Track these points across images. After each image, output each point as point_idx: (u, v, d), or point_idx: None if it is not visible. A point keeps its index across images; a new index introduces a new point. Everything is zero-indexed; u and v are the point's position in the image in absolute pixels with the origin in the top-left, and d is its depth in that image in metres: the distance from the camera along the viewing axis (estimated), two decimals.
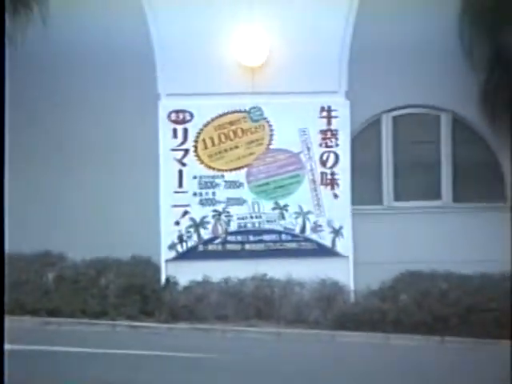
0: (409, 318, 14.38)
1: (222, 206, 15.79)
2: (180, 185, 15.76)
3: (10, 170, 15.13)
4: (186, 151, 15.77)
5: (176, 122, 15.80)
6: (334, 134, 15.92)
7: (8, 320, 13.53)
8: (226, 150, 15.85)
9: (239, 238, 15.81)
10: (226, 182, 15.80)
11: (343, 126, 15.92)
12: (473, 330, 14.10)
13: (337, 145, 15.93)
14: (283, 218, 15.85)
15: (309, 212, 15.88)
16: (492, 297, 14.39)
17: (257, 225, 15.83)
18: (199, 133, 15.79)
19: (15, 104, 15.38)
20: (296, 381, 10.89)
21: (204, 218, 15.77)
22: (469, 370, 12.16)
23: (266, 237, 15.80)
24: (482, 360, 13.05)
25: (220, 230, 15.77)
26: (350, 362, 12.54)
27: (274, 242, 15.82)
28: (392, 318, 14.42)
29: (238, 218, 15.81)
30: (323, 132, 15.90)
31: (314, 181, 15.90)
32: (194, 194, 15.76)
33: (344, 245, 15.91)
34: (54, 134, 15.94)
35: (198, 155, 15.78)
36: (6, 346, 11.60)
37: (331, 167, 15.94)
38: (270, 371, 11.34)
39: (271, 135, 15.85)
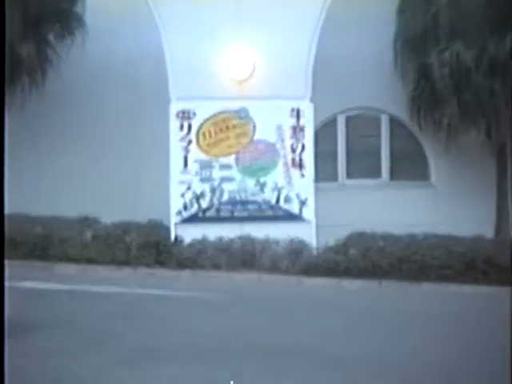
0: (355, 267, 14.48)
1: (217, 182, 15.85)
2: (185, 166, 15.82)
3: (56, 153, 15.57)
4: (190, 141, 15.85)
5: (182, 118, 15.86)
6: (302, 129, 16.03)
7: (56, 267, 14.06)
8: (220, 141, 15.93)
9: (229, 207, 15.87)
10: (220, 164, 15.85)
11: (308, 123, 16.05)
12: (402, 276, 14.33)
13: (303, 137, 16.03)
14: (263, 192, 15.92)
15: (282, 187, 15.95)
16: (416, 251, 14.51)
17: (243, 197, 15.90)
18: (200, 127, 15.88)
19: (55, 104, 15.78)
20: (272, 311, 11.11)
21: (203, 191, 15.83)
22: (399, 304, 12.58)
23: (249, 206, 15.89)
24: (409, 297, 13.44)
25: (215, 201, 15.87)
26: (312, 299, 12.84)
27: (256, 210, 15.89)
28: (343, 266, 14.50)
29: (229, 192, 15.87)
30: (293, 127, 16.01)
31: (286, 164, 16.00)
32: (196, 174, 15.84)
33: (308, 212, 16.01)
34: (91, 127, 15.99)
35: (198, 144, 15.86)
36: (55, 286, 12.10)
37: (299, 154, 16.04)
38: (253, 305, 11.65)
39: (254, 129, 15.93)
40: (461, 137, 15.28)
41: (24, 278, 11.72)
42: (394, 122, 16.72)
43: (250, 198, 15.93)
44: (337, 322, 10.37)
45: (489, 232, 15.61)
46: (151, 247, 15.04)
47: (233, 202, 15.91)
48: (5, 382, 3.81)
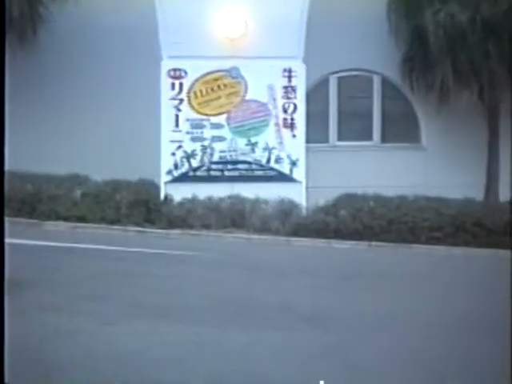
0: (345, 228, 14.54)
1: (208, 142, 15.78)
2: (176, 125, 15.74)
3: (48, 112, 15.46)
4: (181, 100, 15.75)
5: (174, 77, 15.76)
6: (294, 89, 15.94)
7: (46, 224, 14.06)
8: (211, 100, 15.83)
9: (220, 166, 15.82)
10: (211, 124, 15.77)
11: (300, 83, 15.95)
12: (392, 237, 14.40)
13: (295, 97, 15.94)
14: (254, 152, 15.88)
15: (273, 148, 15.91)
16: (406, 213, 14.60)
17: (234, 157, 15.84)
18: (191, 86, 15.76)
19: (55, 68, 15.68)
20: (260, 271, 11.13)
21: (194, 151, 15.78)
22: (388, 265, 12.69)
23: (240, 166, 15.85)
24: (399, 259, 13.55)
25: (206, 160, 15.81)
26: (301, 259, 12.97)
27: (246, 170, 15.87)
28: (333, 227, 14.56)
29: (220, 152, 15.82)
30: (285, 87, 15.91)
31: (277, 124, 15.93)
32: (187, 133, 15.76)
33: (299, 173, 15.99)
34: (82, 84, 15.82)
35: (190, 103, 15.76)
36: (45, 243, 12.06)
37: (291, 114, 15.97)
38: (241, 264, 11.72)
39: (246, 89, 15.82)
40: (453, 99, 15.22)
41: (13, 235, 11.70)
42: (386, 83, 16.60)
43: (241, 158, 15.89)
44: (325, 282, 10.42)
45: (479, 195, 15.67)
46: (141, 205, 15.04)
47: (223, 162, 15.87)
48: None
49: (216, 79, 15.86)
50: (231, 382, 5.63)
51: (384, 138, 16.75)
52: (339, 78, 16.60)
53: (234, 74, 15.87)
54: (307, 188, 15.96)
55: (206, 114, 15.84)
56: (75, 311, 7.72)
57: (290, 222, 14.97)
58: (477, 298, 9.53)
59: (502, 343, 7.01)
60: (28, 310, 7.49)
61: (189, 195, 15.44)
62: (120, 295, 8.64)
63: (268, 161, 15.94)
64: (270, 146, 15.94)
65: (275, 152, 15.96)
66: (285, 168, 15.98)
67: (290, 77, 15.96)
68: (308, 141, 16.13)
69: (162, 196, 15.61)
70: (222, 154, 15.86)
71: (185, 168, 15.84)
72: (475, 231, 14.41)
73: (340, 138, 16.74)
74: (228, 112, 15.89)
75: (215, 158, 15.87)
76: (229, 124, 15.87)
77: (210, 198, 15.40)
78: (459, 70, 14.97)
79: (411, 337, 7.41)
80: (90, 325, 7.16)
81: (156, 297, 8.71)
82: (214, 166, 15.87)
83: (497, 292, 9.59)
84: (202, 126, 15.81)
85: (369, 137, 16.74)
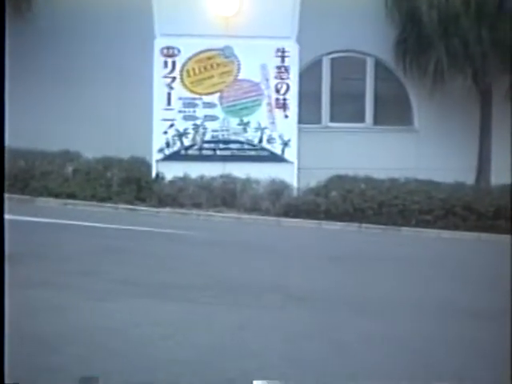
0: (336, 209, 14.60)
1: (200, 121, 15.75)
2: (168, 104, 15.71)
3: (41, 90, 15.38)
4: (174, 78, 15.71)
5: (166, 55, 15.71)
6: (286, 69, 15.92)
7: (37, 201, 14.05)
8: (204, 79, 15.80)
9: (212, 145, 15.81)
10: (203, 103, 15.74)
11: (293, 63, 15.93)
12: (382, 220, 14.48)
13: (288, 77, 15.93)
14: (246, 131, 15.87)
15: (265, 128, 15.90)
16: (397, 195, 14.65)
17: (226, 136, 15.82)
18: (184, 65, 15.73)
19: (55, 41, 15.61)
20: (250, 250, 11.22)
21: (186, 129, 15.75)
22: (377, 247, 12.78)
23: (232, 145, 15.84)
24: (388, 241, 13.63)
25: (198, 139, 15.77)
26: (291, 240, 13.01)
27: (238, 149, 15.86)
28: (324, 209, 14.61)
29: (212, 131, 15.79)
30: (278, 67, 15.90)
31: (270, 104, 15.91)
32: (179, 111, 15.73)
33: (291, 153, 16.00)
34: (75, 61, 15.74)
35: (182, 82, 15.73)
36: (36, 219, 12.07)
37: (283, 94, 15.96)
38: (232, 244, 11.79)
39: (239, 68, 15.80)
40: (447, 82, 15.26)
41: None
42: (379, 65, 16.61)
43: (233, 138, 15.88)
44: (314, 263, 10.45)
45: (470, 178, 15.72)
46: (132, 183, 15.08)
47: (215, 141, 15.86)
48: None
49: (209, 58, 15.83)
50: (221, 359, 5.67)
51: (376, 120, 16.78)
52: (332, 59, 16.59)
53: (227, 53, 15.84)
54: (299, 169, 16.00)
55: (199, 93, 15.81)
56: (64, 286, 7.73)
57: (280, 203, 15.01)
58: (465, 281, 9.60)
59: (489, 324, 7.09)
60: (17, 285, 7.49)
61: (180, 174, 15.44)
62: (110, 272, 8.66)
63: (260, 141, 15.94)
64: (262, 125, 15.94)
65: (267, 132, 15.96)
66: (276, 148, 15.99)
67: (283, 57, 15.94)
68: (300, 121, 16.15)
69: (154, 174, 15.60)
70: (214, 134, 15.85)
71: (177, 147, 15.82)
72: (465, 215, 14.47)
73: (332, 120, 16.75)
74: (220, 91, 15.86)
75: (207, 137, 15.84)
76: (221, 103, 15.85)
77: (201, 177, 15.42)
78: (453, 53, 14.99)
79: (398, 318, 7.46)
80: (78, 300, 7.18)
81: (146, 274, 8.73)
82: (205, 145, 15.85)
83: (484, 275, 9.68)
84: (194, 105, 15.78)
85: (361, 119, 16.75)
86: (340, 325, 7.01)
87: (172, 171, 15.50)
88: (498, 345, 6.05)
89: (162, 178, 15.53)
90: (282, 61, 15.93)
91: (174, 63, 15.76)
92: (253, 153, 15.94)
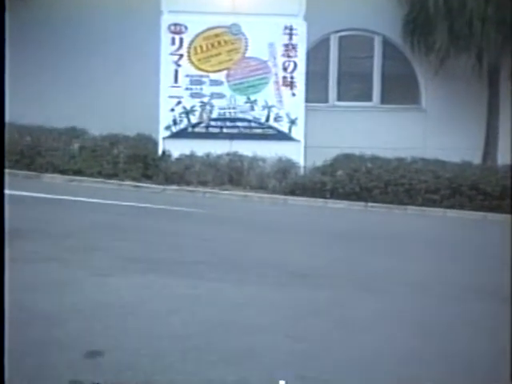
0: (342, 188, 14.59)
1: (207, 98, 15.68)
2: (175, 81, 15.63)
3: (47, 66, 15.33)
4: (181, 55, 15.63)
5: (174, 32, 15.61)
6: (294, 47, 15.80)
7: (43, 177, 14.06)
8: (211, 56, 15.70)
9: (219, 123, 15.73)
10: (210, 80, 15.67)
11: (301, 41, 15.81)
12: (388, 199, 14.47)
13: (296, 56, 15.82)
14: (253, 109, 15.78)
15: (272, 106, 15.81)
16: (404, 175, 14.63)
17: (233, 114, 15.75)
18: (191, 42, 15.63)
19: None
20: (256, 228, 11.19)
21: (193, 107, 15.67)
22: (382, 225, 12.77)
23: (239, 123, 15.76)
24: (393, 220, 13.61)
25: (205, 116, 15.69)
26: (297, 218, 13.01)
27: (245, 127, 15.78)
28: (330, 187, 14.61)
29: (219, 108, 15.71)
30: (286, 45, 15.78)
31: (277, 82, 15.82)
32: (186, 89, 15.65)
33: (298, 132, 15.92)
34: (82, 38, 15.72)
35: (190, 59, 15.64)
36: (42, 195, 12.07)
37: (291, 72, 15.85)
38: (237, 221, 11.80)
39: (246, 46, 15.70)
40: (452, 61, 15.22)
41: (11, 187, 11.69)
42: (387, 44, 16.53)
43: (240, 116, 15.80)
44: (319, 241, 10.44)
45: (477, 158, 15.69)
46: (139, 161, 15.07)
47: (222, 119, 15.78)
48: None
49: (216, 35, 15.73)
50: (226, 335, 5.66)
51: (383, 99, 16.72)
52: (340, 38, 16.54)
53: (234, 30, 15.73)
54: (305, 147, 15.92)
55: (206, 71, 15.73)
56: (69, 262, 7.73)
57: (287, 181, 15.04)
58: (470, 260, 9.58)
59: (492, 304, 7.07)
60: (23, 260, 7.51)
61: (187, 151, 15.42)
62: (115, 248, 8.65)
63: (267, 119, 15.86)
64: (270, 104, 15.85)
65: (274, 110, 15.87)
66: (283, 127, 15.91)
67: (290, 35, 15.81)
68: (307, 100, 16.04)
69: (160, 152, 15.56)
70: (221, 111, 15.77)
71: (183, 124, 15.75)
72: (471, 194, 14.44)
73: (339, 98, 16.73)
74: (228, 69, 15.78)
75: (214, 114, 15.77)
76: (228, 81, 15.77)
77: (207, 155, 15.40)
78: (457, 32, 14.91)
79: (401, 295, 7.46)
80: (83, 276, 7.18)
81: (151, 251, 8.72)
82: (212, 123, 15.77)
83: (490, 254, 9.65)
84: (201, 83, 15.70)
85: (368, 97, 16.70)
86: (344, 301, 7.01)
87: (179, 149, 15.46)
88: (500, 323, 6.02)
89: (169, 156, 15.49)
90: (290, 39, 15.81)
91: (181, 40, 15.66)
92: (259, 131, 15.85)
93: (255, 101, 15.83)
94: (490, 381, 5.03)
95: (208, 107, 15.74)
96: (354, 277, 8.20)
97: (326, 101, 16.66)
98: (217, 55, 15.78)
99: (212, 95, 15.74)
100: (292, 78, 15.91)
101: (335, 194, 14.63)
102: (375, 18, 15.95)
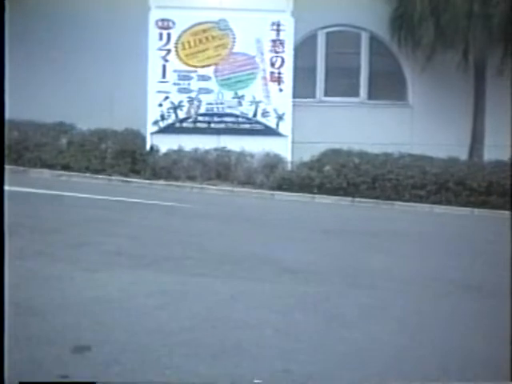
0: (330, 183, 14.64)
1: (195, 93, 15.69)
2: (163, 76, 15.62)
3: (35, 61, 15.27)
4: (169, 51, 15.62)
5: (162, 27, 15.59)
6: (282, 43, 15.84)
7: (31, 172, 13.99)
8: (199, 52, 15.70)
9: (206, 118, 15.75)
10: (198, 75, 15.67)
11: (288, 37, 15.84)
12: (375, 194, 14.54)
13: (283, 51, 15.85)
14: (240, 105, 15.82)
15: (260, 101, 15.85)
16: (391, 170, 14.69)
17: (220, 109, 15.77)
18: (179, 37, 15.63)
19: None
20: (243, 223, 11.19)
21: (181, 102, 15.68)
22: (369, 221, 12.77)
23: (226, 118, 15.78)
24: (380, 215, 13.62)
25: (192, 111, 15.70)
26: (285, 213, 12.99)
27: (233, 122, 15.81)
28: (317, 182, 14.66)
29: (207, 104, 15.72)
30: (273, 41, 15.81)
31: (264, 78, 15.85)
32: (174, 84, 15.65)
33: (285, 127, 15.96)
34: (70, 33, 15.68)
35: (177, 54, 15.63)
36: (30, 190, 12.01)
37: (278, 68, 15.88)
38: (225, 216, 11.76)
39: (234, 42, 15.72)
40: (439, 57, 15.25)
41: None
42: (374, 40, 16.58)
43: (228, 111, 15.82)
44: (307, 236, 10.44)
45: (463, 154, 15.73)
46: (127, 156, 15.05)
47: (210, 114, 15.79)
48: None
49: (204, 31, 15.73)
50: (214, 330, 5.65)
51: (371, 95, 16.77)
52: (327, 34, 16.55)
53: (222, 26, 15.73)
54: (293, 142, 15.95)
55: (194, 66, 15.72)
56: (57, 257, 7.70)
57: (274, 176, 15.04)
58: (456, 255, 9.60)
59: (482, 298, 7.09)
60: (9, 255, 7.46)
61: (175, 146, 15.43)
62: (103, 243, 8.61)
63: (255, 114, 15.89)
64: (257, 99, 15.88)
65: (262, 106, 15.91)
66: (271, 122, 15.94)
67: (278, 30, 15.83)
68: (295, 95, 16.07)
69: (148, 147, 15.55)
70: (209, 106, 15.78)
71: (171, 119, 15.75)
72: (458, 190, 14.50)
73: (327, 94, 16.75)
74: (215, 64, 15.79)
75: (202, 109, 15.78)
76: (216, 76, 15.77)
77: (195, 150, 15.41)
78: (444, 28, 14.94)
79: (389, 291, 7.46)
80: (72, 271, 7.15)
81: (140, 246, 8.69)
82: (200, 118, 15.79)
83: (476, 249, 9.68)
84: (189, 78, 15.70)
85: (355, 93, 16.73)
86: (332, 297, 7.00)
87: (166, 144, 15.45)
88: (486, 316, 6.04)
89: (157, 151, 15.49)
90: (277, 34, 15.83)
91: (169, 35, 15.65)
92: (247, 126, 15.87)
93: (243, 96, 15.84)
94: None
95: (196, 102, 15.74)
96: (341, 272, 8.20)
97: (314, 96, 16.68)
98: (204, 50, 15.77)
99: (200, 90, 15.74)
100: (279, 73, 15.93)
101: (322, 189, 14.65)
102: (362, 14, 15.97)
